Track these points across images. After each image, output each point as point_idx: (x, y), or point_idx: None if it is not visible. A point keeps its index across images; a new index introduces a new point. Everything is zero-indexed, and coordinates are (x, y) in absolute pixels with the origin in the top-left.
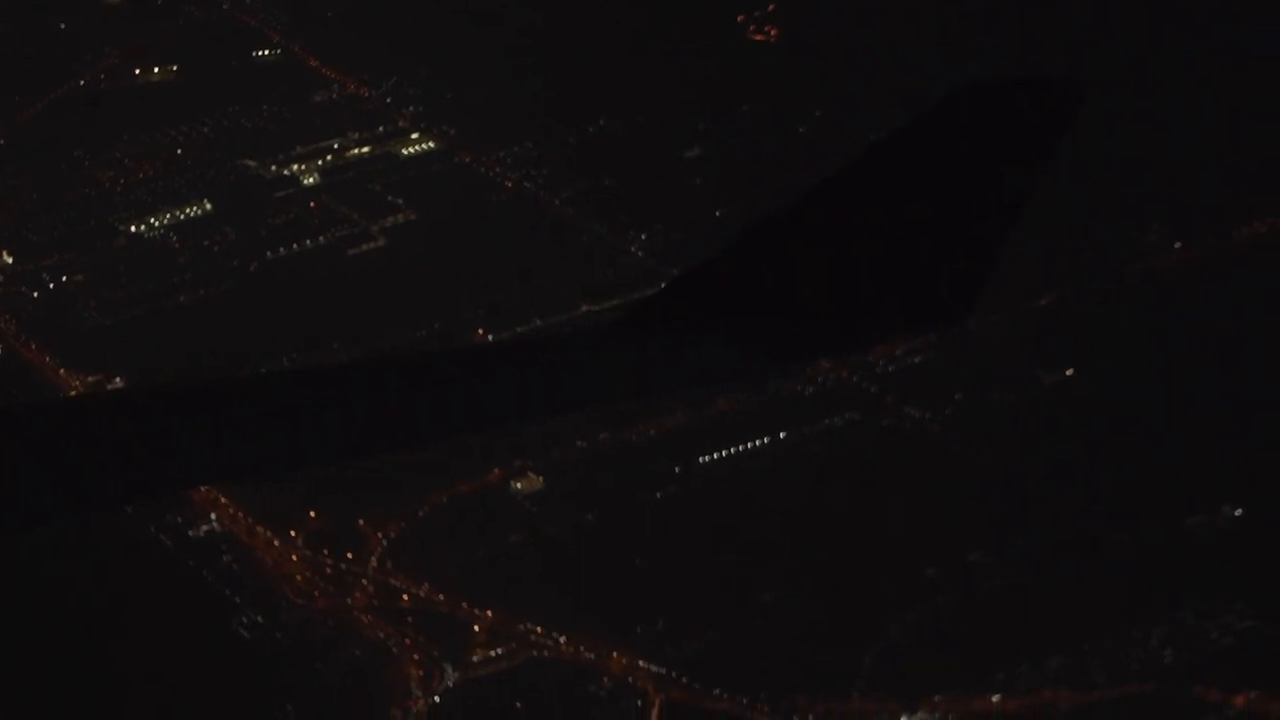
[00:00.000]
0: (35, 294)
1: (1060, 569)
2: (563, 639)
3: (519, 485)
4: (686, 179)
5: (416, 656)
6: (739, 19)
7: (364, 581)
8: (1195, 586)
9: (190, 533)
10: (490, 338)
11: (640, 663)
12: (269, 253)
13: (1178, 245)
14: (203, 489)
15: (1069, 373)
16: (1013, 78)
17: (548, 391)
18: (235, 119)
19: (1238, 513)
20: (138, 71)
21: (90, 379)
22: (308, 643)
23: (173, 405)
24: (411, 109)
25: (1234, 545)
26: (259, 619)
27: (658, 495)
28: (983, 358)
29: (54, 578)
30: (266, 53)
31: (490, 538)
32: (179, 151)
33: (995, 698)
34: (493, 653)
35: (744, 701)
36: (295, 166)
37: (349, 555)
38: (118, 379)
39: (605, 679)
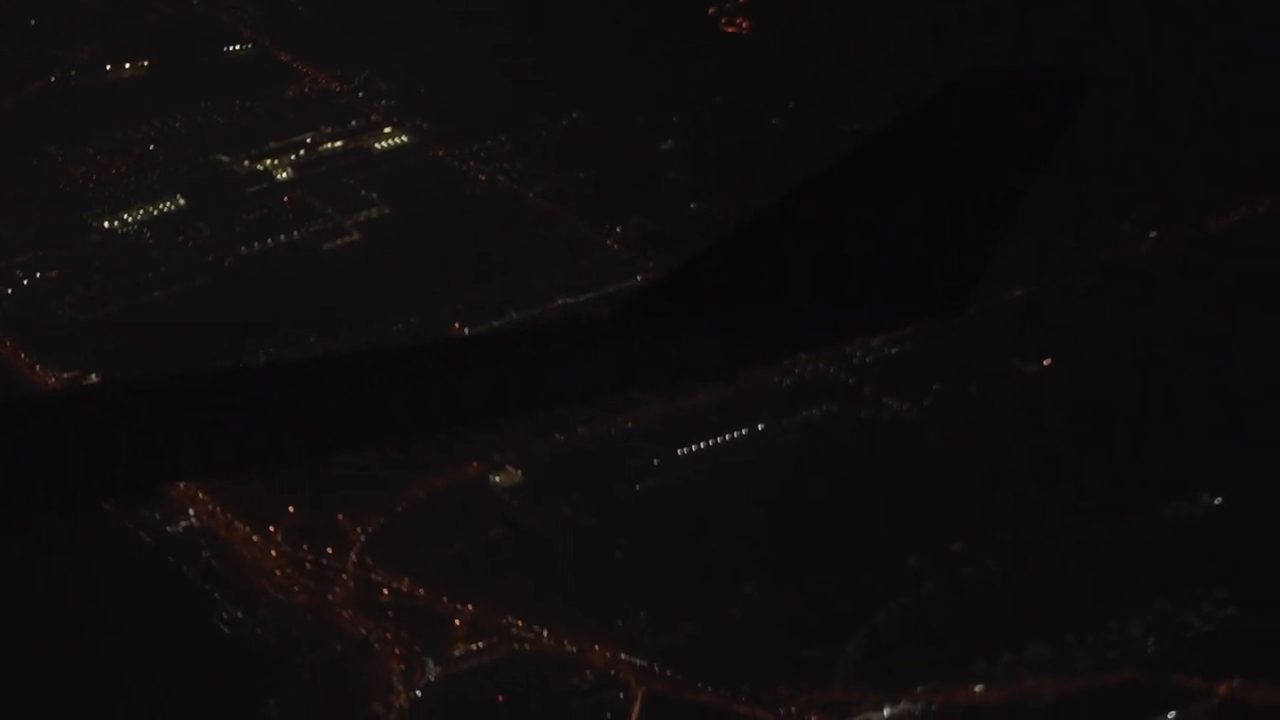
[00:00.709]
0: (9, 290)
1: (1041, 558)
2: (544, 632)
3: (498, 479)
4: (661, 172)
5: (398, 651)
6: (710, 11)
7: (344, 576)
8: (1176, 575)
9: (169, 528)
10: (466, 331)
11: (622, 655)
12: (243, 248)
13: (1153, 234)
14: (181, 485)
15: (1046, 363)
16: (1015, 68)
17: (535, 385)
18: (208, 114)
19: (1217, 501)
20: (109, 67)
21: (65, 375)
22: (288, 638)
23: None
24: (384, 103)
25: (1214, 533)
26: (239, 614)
27: (637, 488)
28: (960, 348)
29: (33, 575)
30: (238, 48)
31: (469, 532)
32: (151, 147)
33: (978, 687)
34: (474, 646)
35: (726, 693)
36: (268, 161)
37: (329, 550)
38: (93, 375)
39: (587, 672)
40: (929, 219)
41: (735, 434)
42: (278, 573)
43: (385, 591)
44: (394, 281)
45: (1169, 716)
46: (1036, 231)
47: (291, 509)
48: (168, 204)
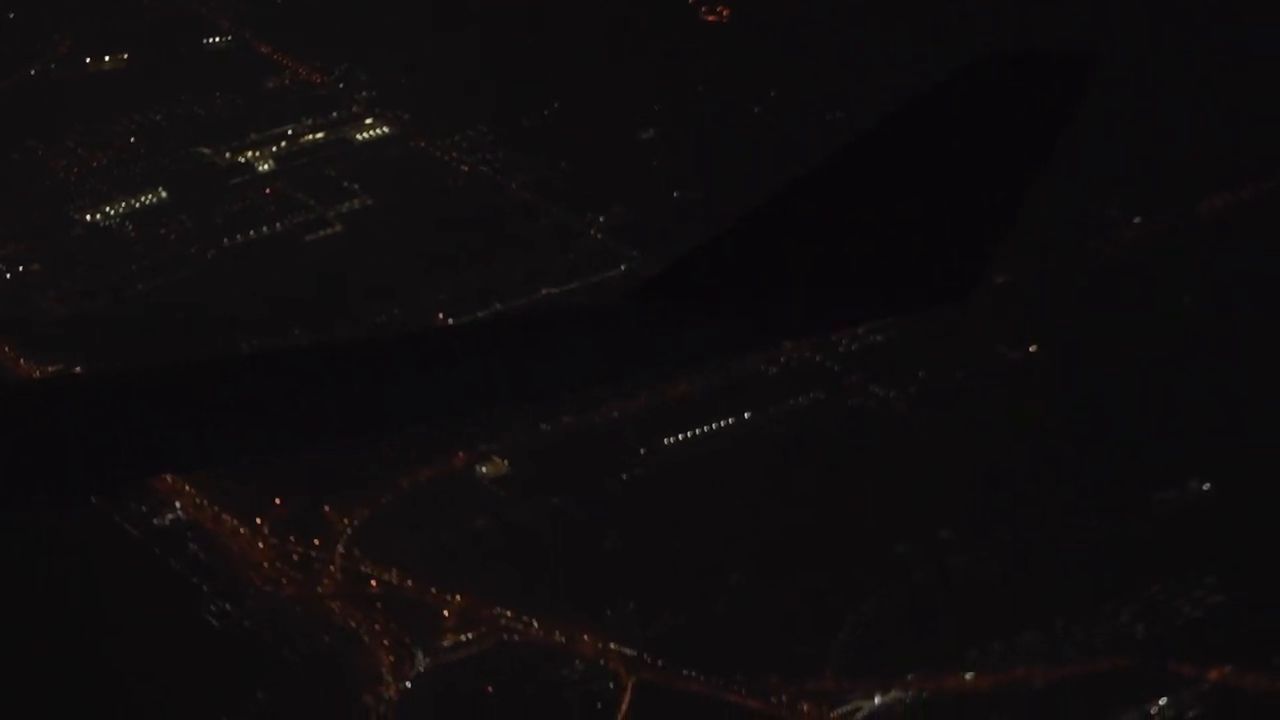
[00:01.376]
0: None
1: (1030, 545)
2: (533, 623)
3: (484, 470)
4: (643, 160)
5: (387, 642)
6: (691, 0)
7: (332, 568)
8: (1165, 561)
9: (155, 521)
10: (450, 321)
11: (611, 645)
12: (226, 240)
13: (1137, 220)
14: (167, 478)
15: (1032, 349)
16: (1023, 51)
17: (536, 373)
18: (188, 107)
19: (1205, 487)
20: (89, 60)
21: (50, 369)
22: (277, 630)
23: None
24: (365, 94)
25: (1203, 519)
26: (227, 607)
27: (624, 477)
28: (945, 335)
29: (18, 568)
30: (217, 40)
31: (457, 523)
32: (132, 140)
33: (968, 675)
34: (463, 637)
35: (717, 682)
36: (250, 153)
37: (316, 542)
38: (77, 368)
39: (576, 662)
40: (936, 203)
41: (722, 423)
42: (265, 565)
43: (373, 583)
44: (377, 272)
45: (1160, 703)
46: (1022, 218)
47: (278, 501)
48: (150, 197)
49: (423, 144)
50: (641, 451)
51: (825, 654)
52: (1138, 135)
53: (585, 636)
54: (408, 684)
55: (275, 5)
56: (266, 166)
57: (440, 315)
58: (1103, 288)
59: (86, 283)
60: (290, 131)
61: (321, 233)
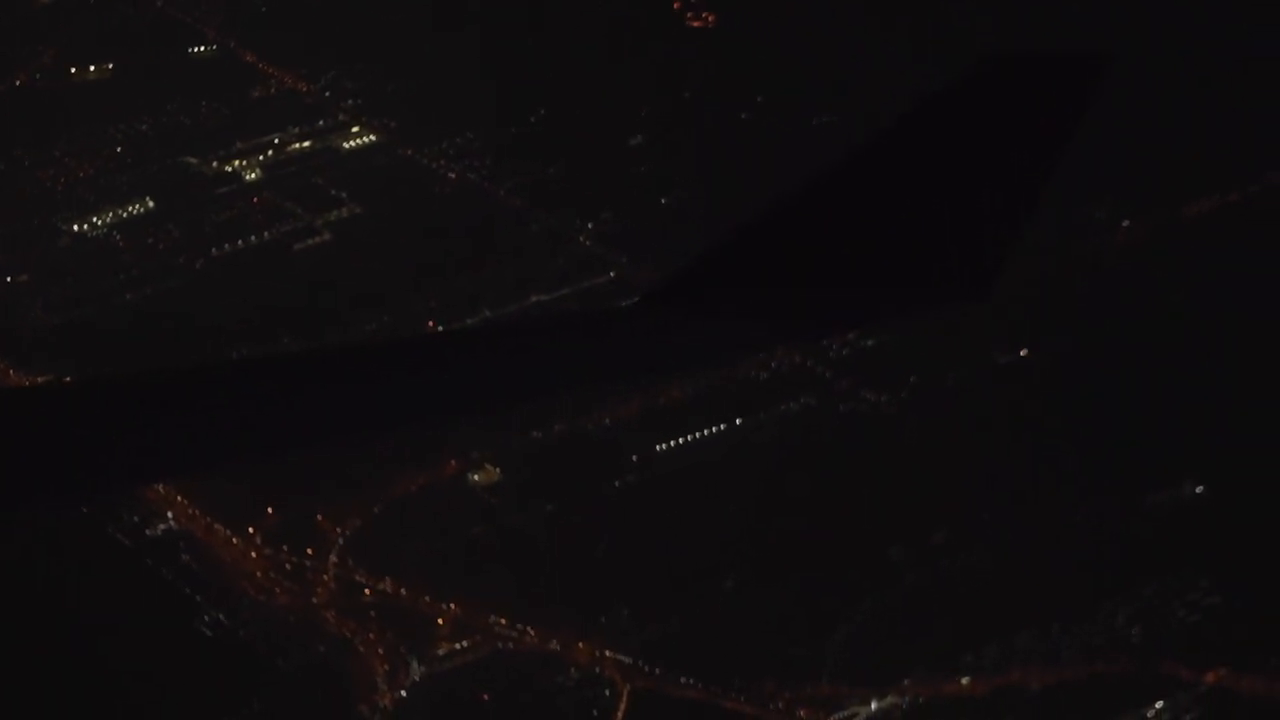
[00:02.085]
0: None
1: (1025, 549)
2: (528, 630)
3: (476, 477)
4: (631, 166)
5: (381, 651)
6: (676, 5)
7: (325, 577)
8: (1161, 565)
9: (148, 531)
10: (440, 329)
11: (607, 652)
12: (214, 249)
13: (1125, 223)
14: (159, 487)
15: (1023, 353)
16: (1034, 51)
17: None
18: (174, 116)
19: (1199, 489)
20: (73, 70)
21: (40, 380)
22: (271, 640)
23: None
24: (351, 102)
25: (1197, 522)
26: (221, 617)
27: (616, 484)
28: (936, 339)
29: (11, 579)
30: (202, 49)
31: (450, 531)
32: (119, 149)
33: (964, 679)
34: (458, 645)
35: (713, 689)
36: (237, 163)
37: (309, 551)
38: (67, 379)
39: (572, 669)
40: (944, 205)
41: (713, 429)
42: (258, 574)
43: (367, 592)
44: (366, 281)
45: (1157, 706)
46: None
47: (270, 510)
48: (137, 206)
49: (409, 152)
50: (634, 458)
51: (821, 659)
52: (1124, 138)
53: (580, 644)
54: (403, 693)
55: (260, 14)
56: (254, 175)
57: (430, 323)
58: (1093, 291)
59: (74, 293)
60: (277, 140)
61: (310, 241)
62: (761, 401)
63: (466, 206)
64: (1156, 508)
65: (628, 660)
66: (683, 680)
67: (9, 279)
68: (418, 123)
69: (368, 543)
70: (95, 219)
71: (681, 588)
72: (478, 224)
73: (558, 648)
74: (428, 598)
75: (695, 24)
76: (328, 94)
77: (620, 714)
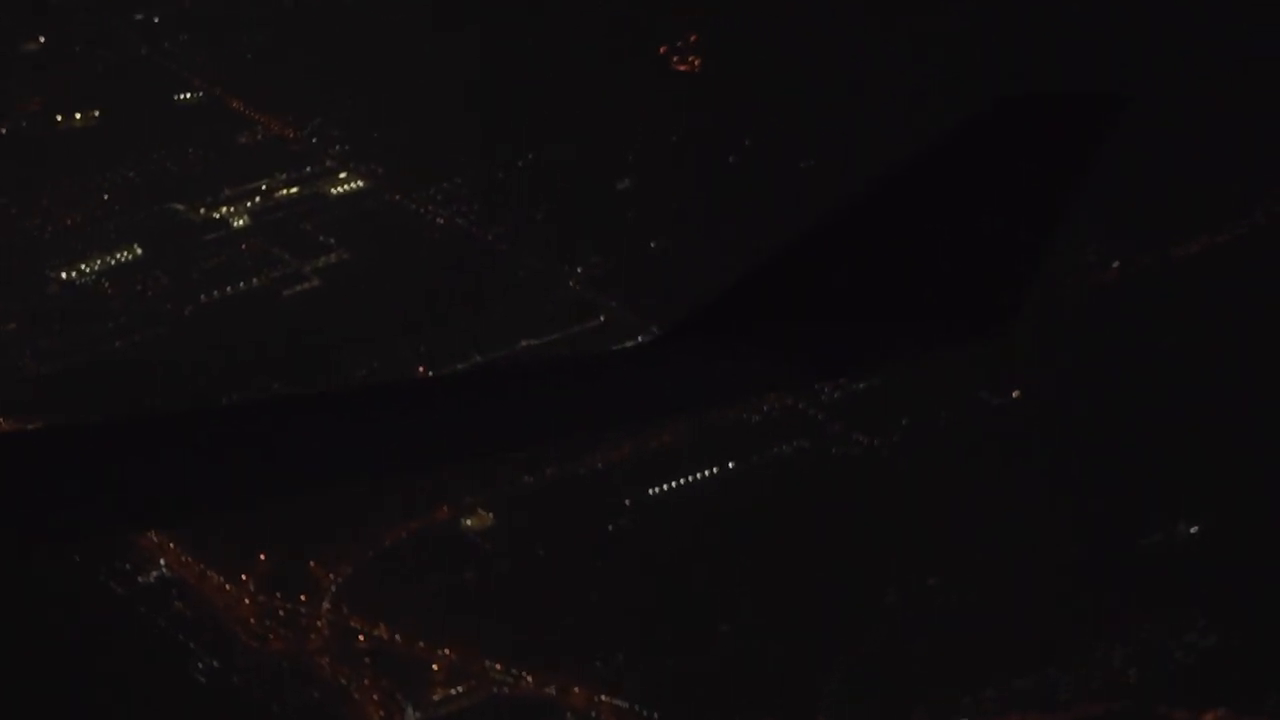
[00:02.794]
0: None
1: (1020, 592)
2: (523, 675)
3: (469, 522)
4: (620, 210)
5: (376, 697)
6: (662, 50)
7: (319, 623)
8: (1156, 605)
9: (140, 579)
10: (431, 374)
11: (603, 697)
12: (203, 296)
13: (1115, 264)
14: (151, 535)
15: (1015, 395)
16: (1051, 91)
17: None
18: (161, 163)
19: (1193, 529)
20: (59, 118)
21: (30, 428)
22: (266, 686)
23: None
24: (338, 148)
25: (1192, 563)
26: (215, 663)
27: (610, 528)
28: (927, 382)
29: (5, 628)
30: (188, 96)
31: (443, 576)
32: (106, 197)
33: None
34: (453, 691)
35: None
36: (224, 209)
37: (302, 597)
38: (56, 426)
39: (568, 714)
40: (966, 241)
41: (706, 472)
42: (252, 621)
43: (361, 638)
44: (356, 327)
45: None
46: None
47: (263, 557)
48: (125, 254)
49: (398, 197)
50: (627, 502)
51: (818, 704)
52: (1114, 179)
53: (576, 688)
54: None
55: (245, 60)
56: (241, 222)
57: (420, 368)
58: (1084, 332)
59: (63, 341)
60: (264, 186)
61: (299, 287)
62: (754, 444)
63: (455, 251)
64: (1150, 549)
65: (624, 705)
66: None
67: None
68: (405, 168)
69: (361, 589)
70: (83, 266)
71: (677, 632)
72: (467, 269)
73: (554, 693)
74: (422, 643)
75: (681, 68)
76: (314, 140)
77: None
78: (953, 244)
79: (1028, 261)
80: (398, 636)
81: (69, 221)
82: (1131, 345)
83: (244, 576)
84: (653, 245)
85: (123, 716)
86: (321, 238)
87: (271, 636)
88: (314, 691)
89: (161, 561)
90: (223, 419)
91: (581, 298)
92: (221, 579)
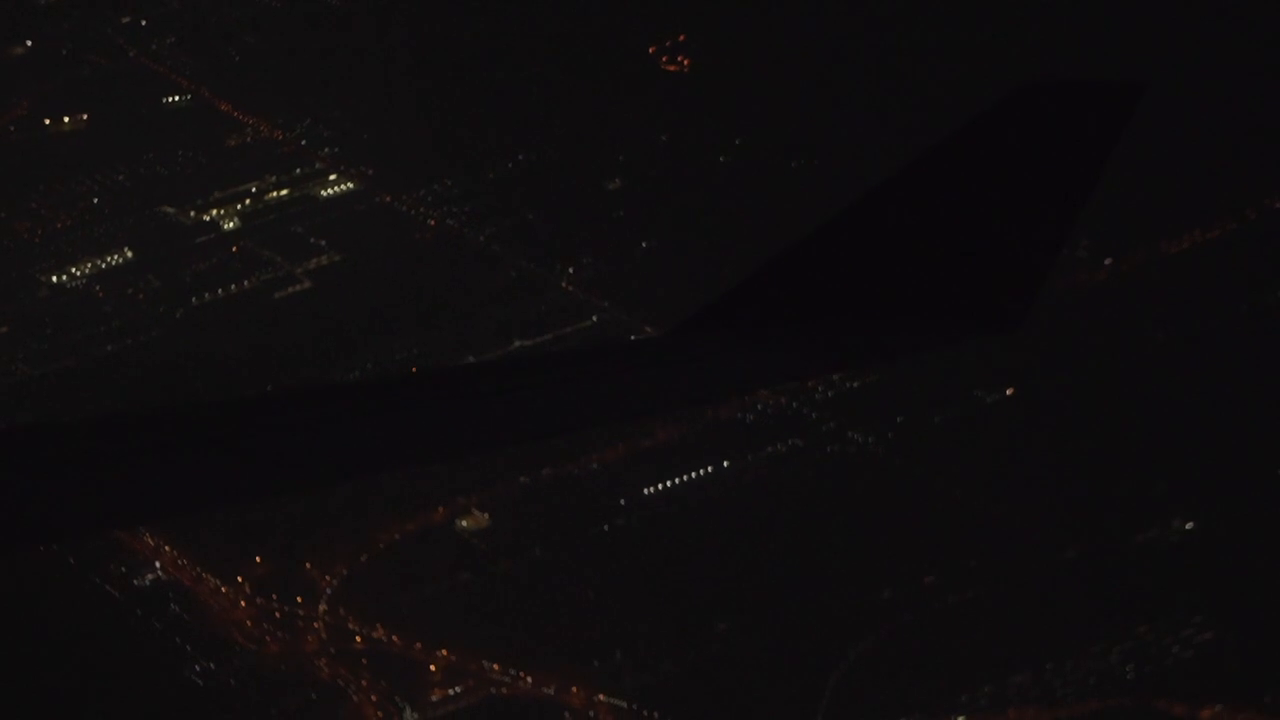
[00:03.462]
0: None
1: (1017, 588)
2: (521, 675)
3: (464, 523)
4: (610, 210)
5: (374, 699)
6: (650, 50)
7: (315, 625)
8: (1152, 601)
9: (135, 582)
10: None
11: (600, 696)
12: (194, 299)
13: (1108, 261)
14: (146, 537)
15: (1009, 392)
16: (1068, 79)
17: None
18: (150, 166)
19: (1189, 525)
20: (48, 121)
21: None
22: (262, 688)
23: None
24: (328, 150)
25: (1188, 558)
26: (211, 666)
27: (605, 528)
28: (921, 380)
29: (1, 633)
30: (177, 99)
31: (439, 576)
32: (96, 200)
33: (960, 719)
34: (451, 691)
35: None
36: (215, 212)
37: (298, 599)
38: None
39: (566, 714)
40: (981, 234)
41: (701, 471)
42: (248, 623)
43: (358, 639)
44: (347, 328)
45: None
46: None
47: (258, 559)
48: (115, 257)
49: (388, 199)
50: (622, 501)
51: (816, 702)
52: (1105, 175)
53: (574, 688)
54: None
55: (234, 62)
56: (232, 224)
57: (413, 369)
58: (1076, 329)
59: (54, 344)
60: (254, 189)
61: (290, 289)
62: (748, 443)
63: (446, 253)
64: (1147, 545)
65: (622, 704)
66: None
67: None
68: (395, 170)
69: (357, 590)
70: (74, 270)
71: (674, 631)
72: (458, 270)
73: (552, 693)
74: (419, 644)
75: (671, 68)
76: (304, 142)
77: None
78: (964, 237)
79: (1042, 254)
80: (395, 638)
81: (58, 225)
82: (1125, 342)
83: (240, 579)
84: (644, 245)
85: (119, 719)
86: (312, 240)
87: (268, 639)
88: (311, 693)
89: (157, 564)
90: (213, 421)
91: (573, 298)
92: (217, 581)
